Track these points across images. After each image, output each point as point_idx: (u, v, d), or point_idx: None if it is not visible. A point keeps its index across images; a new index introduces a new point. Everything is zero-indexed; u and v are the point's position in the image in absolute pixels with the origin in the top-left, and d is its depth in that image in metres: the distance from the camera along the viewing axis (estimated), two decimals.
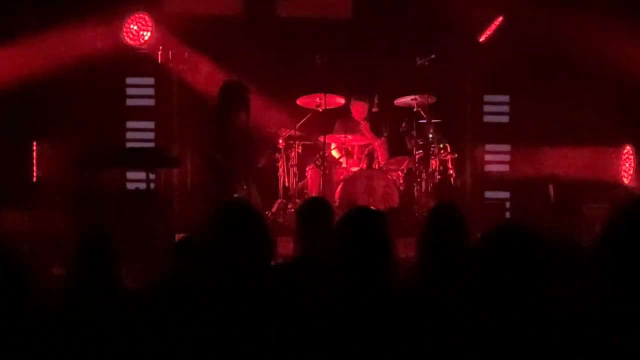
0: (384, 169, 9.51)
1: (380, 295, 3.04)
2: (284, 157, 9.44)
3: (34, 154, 10.32)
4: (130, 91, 11.13)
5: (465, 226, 4.18)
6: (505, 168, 11.38)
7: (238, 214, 3.10)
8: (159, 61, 10.38)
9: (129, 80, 11.09)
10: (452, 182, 9.58)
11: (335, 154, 9.81)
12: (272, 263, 3.33)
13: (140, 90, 11.15)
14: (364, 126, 9.83)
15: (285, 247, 5.46)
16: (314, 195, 9.31)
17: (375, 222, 3.27)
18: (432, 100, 9.55)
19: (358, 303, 2.99)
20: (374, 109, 9.89)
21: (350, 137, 9.59)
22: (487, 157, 11.42)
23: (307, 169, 9.57)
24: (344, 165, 9.63)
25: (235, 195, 8.00)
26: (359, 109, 9.88)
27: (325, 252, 3.32)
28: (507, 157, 11.41)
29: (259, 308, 2.75)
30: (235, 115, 8.31)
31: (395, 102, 9.84)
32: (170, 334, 2.62)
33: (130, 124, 11.06)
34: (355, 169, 9.52)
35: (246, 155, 8.34)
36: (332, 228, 3.77)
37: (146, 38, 10.37)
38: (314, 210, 4.56)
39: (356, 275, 3.07)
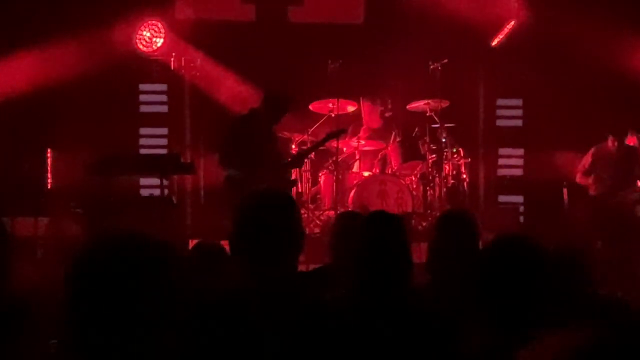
0: (397, 173, 9.49)
1: (399, 300, 3.04)
2: None
3: (48, 161, 10.37)
4: (143, 98, 11.17)
5: (476, 232, 4.17)
6: (519, 172, 11.36)
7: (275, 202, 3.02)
8: (172, 67, 10.42)
9: (142, 87, 11.14)
10: (466, 186, 9.55)
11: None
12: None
13: (153, 96, 11.19)
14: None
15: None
16: (327, 200, 9.32)
17: (395, 226, 3.27)
18: (445, 104, 9.54)
19: (379, 309, 2.99)
20: (387, 114, 9.88)
21: (363, 142, 9.58)
22: (501, 161, 11.41)
23: (320, 174, 9.56)
24: (354, 169, 9.62)
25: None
26: (367, 109, 9.80)
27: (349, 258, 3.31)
28: (520, 161, 11.39)
29: (286, 312, 2.71)
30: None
31: (408, 106, 9.83)
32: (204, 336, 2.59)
33: (143, 131, 11.10)
34: (368, 173, 9.51)
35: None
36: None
37: (159, 45, 10.40)
38: (345, 224, 4.52)
39: (375, 279, 3.06)
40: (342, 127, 9.11)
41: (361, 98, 9.80)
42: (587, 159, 9.74)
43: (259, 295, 2.66)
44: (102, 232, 1.93)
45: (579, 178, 9.81)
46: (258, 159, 7.68)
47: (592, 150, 9.74)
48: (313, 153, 9.43)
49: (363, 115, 9.87)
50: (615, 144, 9.59)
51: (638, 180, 9.62)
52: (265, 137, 7.99)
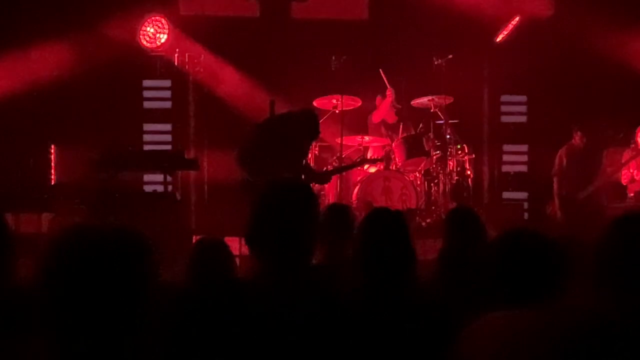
0: (402, 170, 9.48)
1: (403, 296, 3.02)
2: None
3: (52, 157, 10.38)
4: (147, 94, 11.17)
5: (482, 230, 4.17)
6: (523, 168, 11.34)
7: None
8: (176, 63, 10.40)
9: (146, 83, 11.14)
10: (470, 182, 9.54)
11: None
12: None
13: (156, 92, 11.19)
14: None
15: None
16: (331, 196, 9.30)
17: (397, 223, 3.25)
18: (449, 100, 9.53)
19: (382, 306, 2.98)
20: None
21: (367, 138, 9.57)
22: (505, 158, 11.39)
23: (323, 170, 9.54)
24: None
25: None
26: (388, 104, 9.79)
27: (349, 255, 3.29)
28: (524, 158, 11.37)
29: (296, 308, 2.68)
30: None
31: (412, 102, 9.82)
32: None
33: (147, 127, 11.10)
34: (372, 170, 9.50)
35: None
36: (353, 233, 3.74)
37: (163, 41, 10.39)
38: (335, 217, 4.50)
39: (380, 276, 3.05)
40: (379, 157, 9.33)
41: (388, 90, 9.74)
42: (559, 162, 9.45)
43: (273, 289, 2.64)
44: (69, 227, 1.92)
45: (556, 183, 9.50)
46: (281, 166, 7.46)
47: (562, 151, 9.46)
48: (317, 148, 9.44)
49: (382, 110, 9.80)
50: (582, 139, 9.31)
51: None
52: (293, 148, 7.77)
